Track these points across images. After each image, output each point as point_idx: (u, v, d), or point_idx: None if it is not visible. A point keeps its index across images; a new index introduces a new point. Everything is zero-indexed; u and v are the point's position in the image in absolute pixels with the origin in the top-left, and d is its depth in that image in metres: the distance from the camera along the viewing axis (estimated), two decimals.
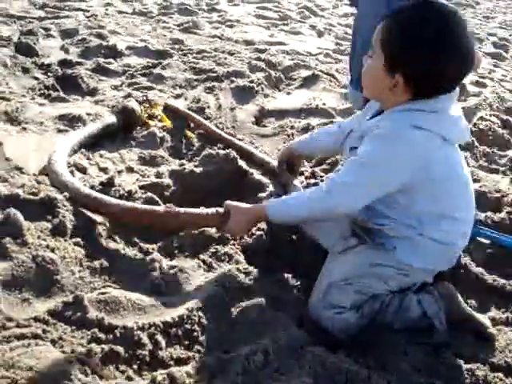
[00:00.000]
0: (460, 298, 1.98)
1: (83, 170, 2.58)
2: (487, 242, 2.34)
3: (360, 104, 2.69)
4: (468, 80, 4.54)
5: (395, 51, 1.79)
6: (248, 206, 2.07)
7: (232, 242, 2.25)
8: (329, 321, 1.88)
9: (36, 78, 3.60)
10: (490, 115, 3.67)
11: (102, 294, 1.86)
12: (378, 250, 1.94)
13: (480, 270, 2.18)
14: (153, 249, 2.18)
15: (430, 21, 1.75)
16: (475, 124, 3.49)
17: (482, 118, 3.58)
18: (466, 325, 1.93)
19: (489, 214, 2.51)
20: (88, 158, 2.67)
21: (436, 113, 1.84)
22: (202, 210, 2.09)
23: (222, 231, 2.14)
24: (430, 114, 1.83)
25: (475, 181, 2.92)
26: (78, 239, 2.13)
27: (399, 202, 1.89)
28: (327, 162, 2.93)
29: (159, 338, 1.70)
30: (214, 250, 2.20)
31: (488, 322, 1.95)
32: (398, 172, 1.82)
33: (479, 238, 2.36)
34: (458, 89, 1.87)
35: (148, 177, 2.63)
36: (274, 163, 2.75)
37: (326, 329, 1.88)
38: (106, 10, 5.52)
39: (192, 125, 3.19)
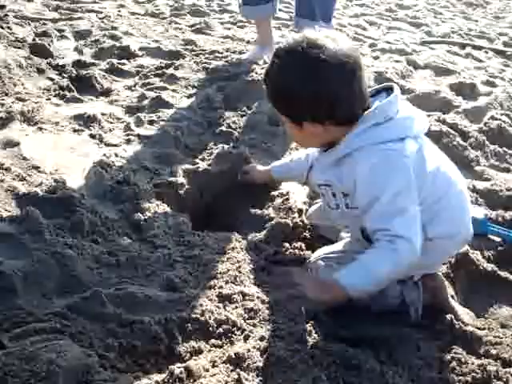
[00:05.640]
0: (447, 291, 1.99)
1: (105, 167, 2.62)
2: (498, 239, 2.36)
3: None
4: (479, 80, 4.55)
5: (292, 110, 1.84)
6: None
7: None
8: None
9: (51, 79, 3.64)
10: (501, 114, 3.67)
11: (119, 289, 1.90)
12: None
13: (492, 265, 2.18)
14: (168, 246, 2.22)
15: (289, 72, 1.77)
16: (486, 123, 3.50)
17: (492, 117, 3.58)
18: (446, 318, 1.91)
19: (500, 212, 2.53)
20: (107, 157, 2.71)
21: (392, 119, 1.81)
22: None
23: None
24: (388, 123, 1.80)
25: (486, 179, 2.94)
26: (95, 236, 2.18)
27: None
28: None
29: (176, 332, 1.74)
30: None
31: (470, 321, 1.95)
32: (413, 183, 1.77)
33: (490, 236, 2.38)
34: (396, 93, 1.82)
35: (162, 175, 2.66)
36: None
37: None
38: (119, 11, 5.55)
39: None
